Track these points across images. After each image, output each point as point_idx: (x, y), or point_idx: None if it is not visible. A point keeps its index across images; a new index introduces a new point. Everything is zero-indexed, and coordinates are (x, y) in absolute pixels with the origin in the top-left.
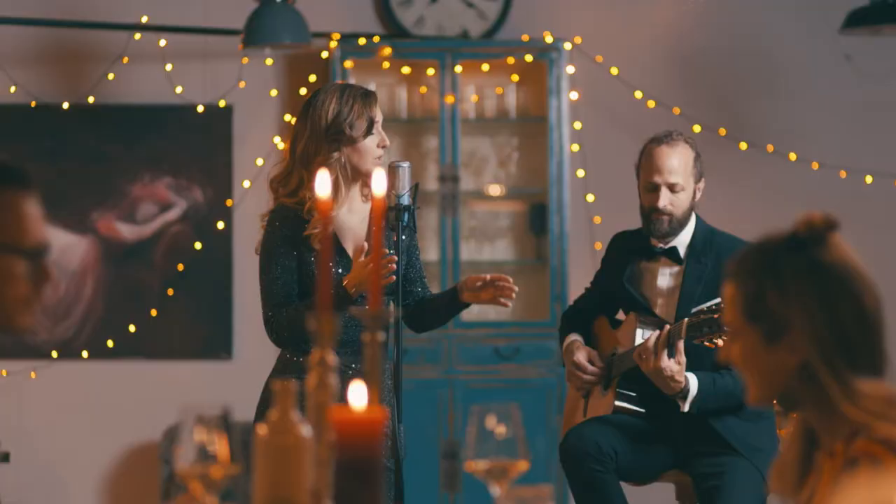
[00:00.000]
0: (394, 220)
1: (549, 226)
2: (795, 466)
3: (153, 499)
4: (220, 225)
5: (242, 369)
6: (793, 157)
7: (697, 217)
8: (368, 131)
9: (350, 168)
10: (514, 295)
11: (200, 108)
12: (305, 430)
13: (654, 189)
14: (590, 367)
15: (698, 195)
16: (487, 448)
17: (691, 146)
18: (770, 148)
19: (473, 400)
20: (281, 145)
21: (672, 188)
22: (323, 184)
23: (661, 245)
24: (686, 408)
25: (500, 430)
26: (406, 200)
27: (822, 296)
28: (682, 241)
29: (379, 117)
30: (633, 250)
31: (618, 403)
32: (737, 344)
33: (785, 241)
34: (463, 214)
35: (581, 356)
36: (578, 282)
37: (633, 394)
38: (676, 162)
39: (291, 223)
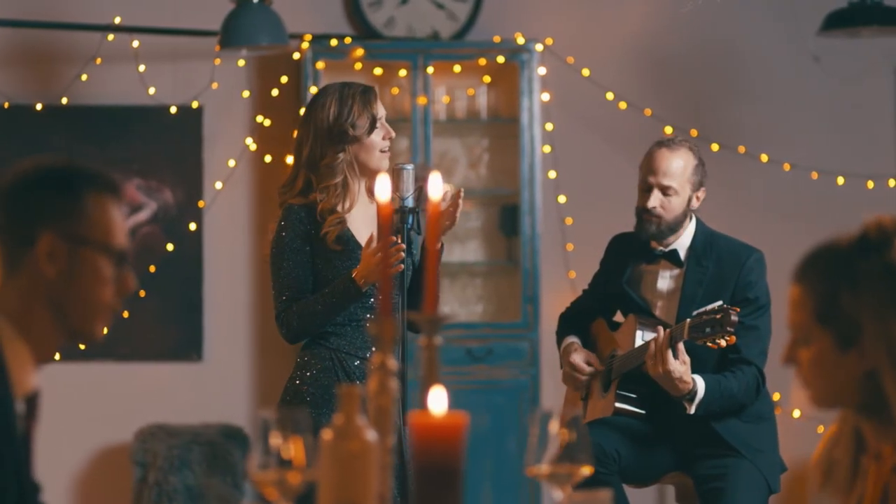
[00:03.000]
0: (398, 222)
1: (520, 227)
2: (845, 468)
3: (125, 501)
4: (192, 226)
5: (213, 371)
6: (764, 158)
7: (698, 220)
8: (371, 128)
9: (357, 165)
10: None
11: (173, 110)
12: (371, 435)
13: (647, 190)
14: (587, 369)
15: (695, 203)
16: (549, 452)
17: (694, 153)
18: (742, 149)
19: None
20: (253, 146)
21: (664, 190)
22: (383, 188)
23: (661, 248)
24: (693, 410)
25: (563, 434)
26: (411, 203)
27: (894, 298)
28: (682, 243)
29: (381, 112)
30: (632, 253)
31: (618, 405)
32: (806, 348)
33: (856, 244)
34: None
35: (577, 357)
36: (550, 283)
37: (634, 395)
38: (673, 165)
39: (303, 222)
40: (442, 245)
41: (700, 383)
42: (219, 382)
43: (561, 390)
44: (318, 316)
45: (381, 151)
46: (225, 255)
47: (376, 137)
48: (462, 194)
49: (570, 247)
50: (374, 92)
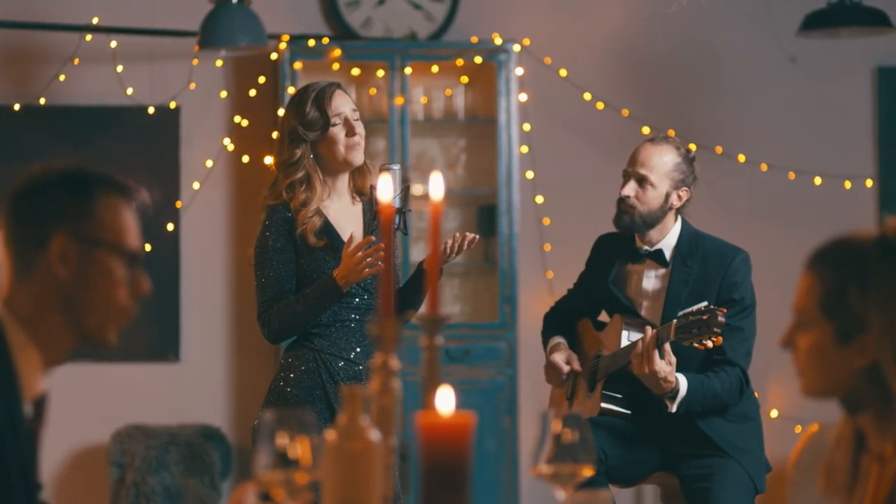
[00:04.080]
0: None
1: (498, 227)
2: (846, 470)
3: (102, 502)
4: (170, 227)
5: (190, 371)
6: (742, 158)
7: (683, 220)
8: (325, 125)
9: (321, 161)
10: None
11: (151, 110)
12: (374, 435)
13: (626, 179)
14: (565, 368)
15: (675, 202)
16: (549, 452)
17: (678, 152)
18: (719, 149)
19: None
20: (230, 147)
21: (640, 181)
22: (385, 187)
23: (646, 247)
24: (674, 408)
25: (566, 434)
26: (398, 203)
27: None
28: (667, 243)
29: (341, 108)
30: (617, 252)
31: (604, 405)
32: (804, 335)
33: (874, 243)
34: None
35: (558, 357)
36: (528, 283)
37: (620, 396)
38: (653, 158)
39: (286, 222)
40: (441, 270)
41: (682, 382)
42: (196, 383)
43: (538, 390)
44: (299, 316)
45: (347, 147)
46: (202, 256)
47: (338, 133)
48: (476, 240)
49: (547, 247)
50: (331, 89)
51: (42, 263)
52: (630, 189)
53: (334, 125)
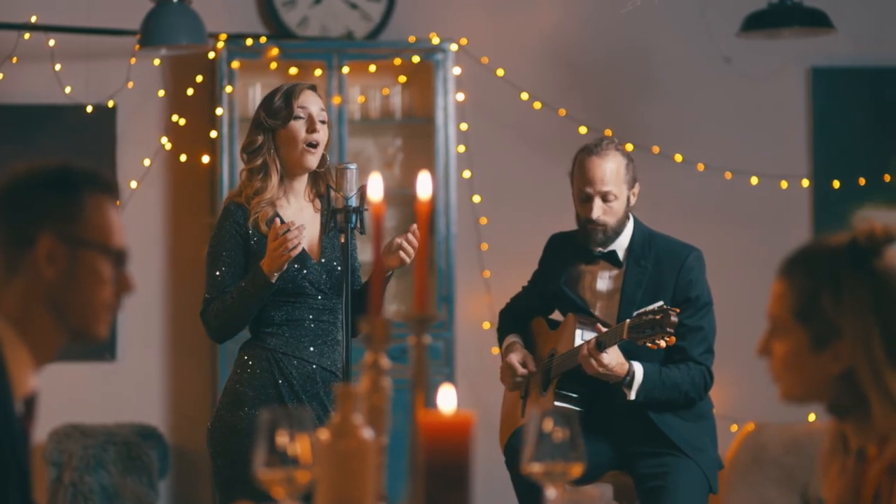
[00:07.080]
0: (342, 221)
1: (435, 227)
2: (830, 469)
3: (40, 501)
4: None
5: (126, 371)
6: (679, 158)
7: (636, 220)
8: (287, 118)
9: (279, 155)
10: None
11: (90, 109)
12: (367, 434)
13: (588, 200)
14: (520, 370)
15: (633, 200)
16: (543, 451)
17: (622, 154)
18: (656, 149)
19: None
20: (168, 146)
21: (605, 197)
22: (376, 187)
23: (599, 248)
24: (633, 395)
25: (557, 433)
26: (354, 202)
27: (877, 306)
28: (620, 244)
29: (306, 104)
30: (570, 252)
31: (557, 404)
32: (780, 342)
33: (845, 249)
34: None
35: (514, 358)
36: (465, 283)
37: (573, 395)
38: (608, 171)
39: (238, 223)
40: (391, 274)
41: (638, 368)
42: (133, 382)
43: (475, 390)
44: (232, 310)
45: (306, 145)
46: (139, 255)
47: (299, 128)
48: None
49: (484, 246)
50: (302, 86)
51: (29, 263)
52: (598, 210)
53: (297, 118)
